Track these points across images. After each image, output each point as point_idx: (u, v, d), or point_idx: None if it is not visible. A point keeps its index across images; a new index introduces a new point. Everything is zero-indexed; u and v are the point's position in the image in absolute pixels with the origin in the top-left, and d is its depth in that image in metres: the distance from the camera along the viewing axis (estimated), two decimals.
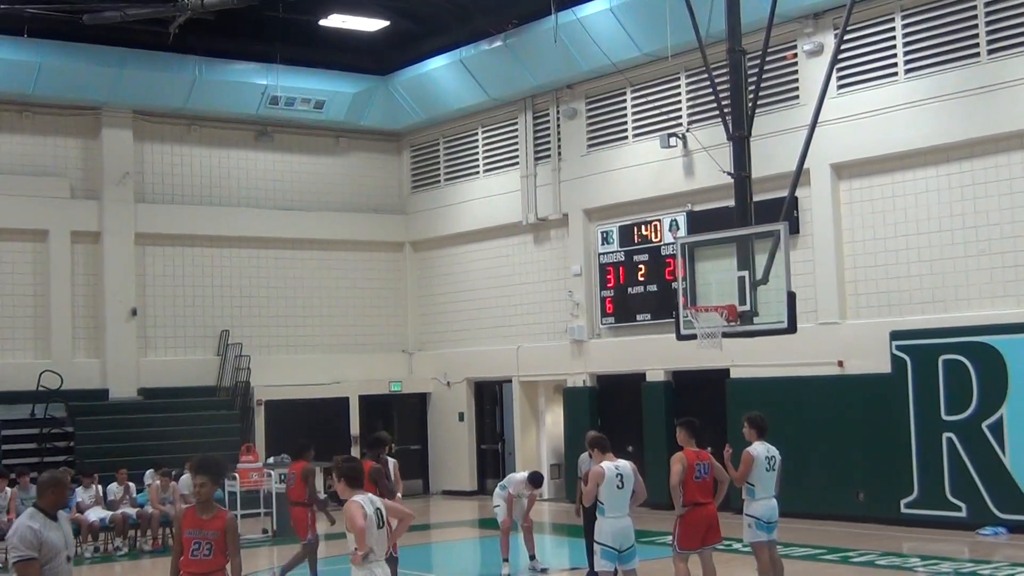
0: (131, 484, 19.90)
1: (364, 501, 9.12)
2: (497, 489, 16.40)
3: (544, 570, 15.92)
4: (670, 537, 12.56)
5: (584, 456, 15.54)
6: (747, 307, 15.24)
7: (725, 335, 15.54)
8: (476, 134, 27.21)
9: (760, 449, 12.79)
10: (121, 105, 25.14)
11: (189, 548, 8.61)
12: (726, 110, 16.47)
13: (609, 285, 23.78)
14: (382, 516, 9.18)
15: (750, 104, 16.29)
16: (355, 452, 26.26)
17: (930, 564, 15.76)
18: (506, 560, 15.85)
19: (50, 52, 23.63)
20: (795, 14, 20.28)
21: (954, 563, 15.72)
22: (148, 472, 20.34)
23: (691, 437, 12.54)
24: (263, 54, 25.52)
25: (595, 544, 11.98)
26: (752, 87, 16.62)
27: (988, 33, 18.35)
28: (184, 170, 26.50)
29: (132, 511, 19.53)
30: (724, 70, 17.05)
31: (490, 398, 27.27)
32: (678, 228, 22.35)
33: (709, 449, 12.97)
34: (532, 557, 16.07)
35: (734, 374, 21.21)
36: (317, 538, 15.33)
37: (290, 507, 15.87)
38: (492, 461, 26.76)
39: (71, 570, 8.27)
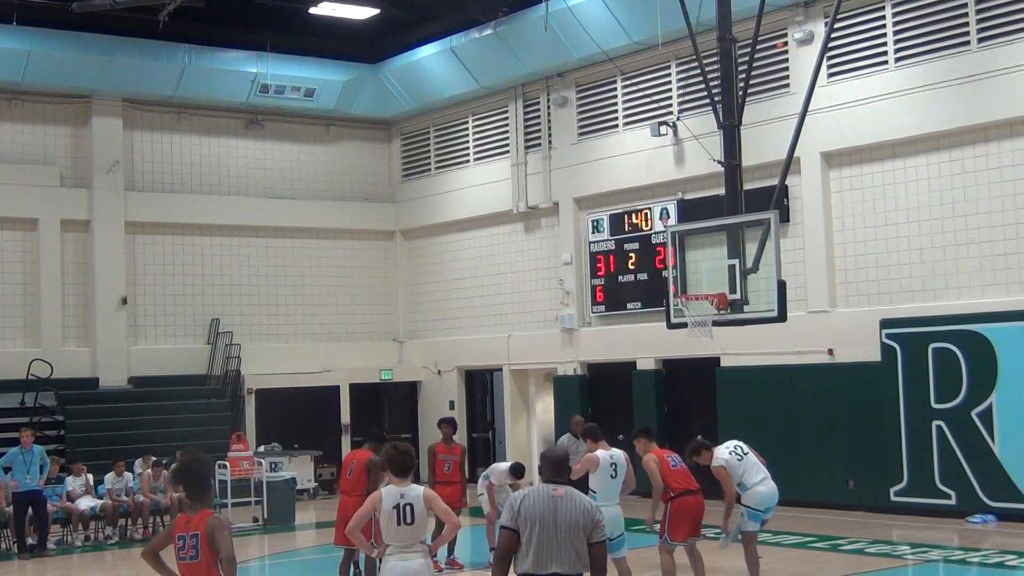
0: (128, 474, 19.82)
1: (387, 494, 8.57)
2: (480, 479, 16.41)
3: None
4: (658, 526, 12.53)
5: (563, 439, 15.59)
6: (737, 295, 15.28)
7: (715, 323, 15.56)
8: (466, 122, 27.18)
9: (722, 452, 12.75)
10: (111, 93, 25.06)
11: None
12: (716, 98, 16.47)
13: (599, 273, 23.77)
14: (412, 512, 8.51)
15: (740, 92, 16.31)
16: (346, 441, 26.35)
17: (919, 552, 15.81)
18: (493, 549, 15.86)
19: (39, 40, 23.53)
20: (786, 2, 20.29)
21: (943, 551, 15.78)
22: (137, 461, 20.31)
23: (651, 441, 12.59)
24: (253, 42, 25.46)
25: None
26: (743, 75, 16.63)
27: (978, 21, 18.35)
28: (174, 158, 26.44)
29: (125, 500, 19.48)
30: (715, 58, 17.08)
31: (480, 386, 27.27)
32: (669, 216, 22.34)
33: (699, 437, 13.02)
34: None
35: (724, 362, 21.23)
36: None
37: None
38: (483, 449, 26.76)
39: None
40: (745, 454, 12.74)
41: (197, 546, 7.10)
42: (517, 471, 15.95)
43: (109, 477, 19.61)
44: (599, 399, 23.69)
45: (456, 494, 15.24)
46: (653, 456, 12.35)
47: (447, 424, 15.84)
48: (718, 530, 12.96)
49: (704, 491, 12.60)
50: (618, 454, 12.58)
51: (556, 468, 7.45)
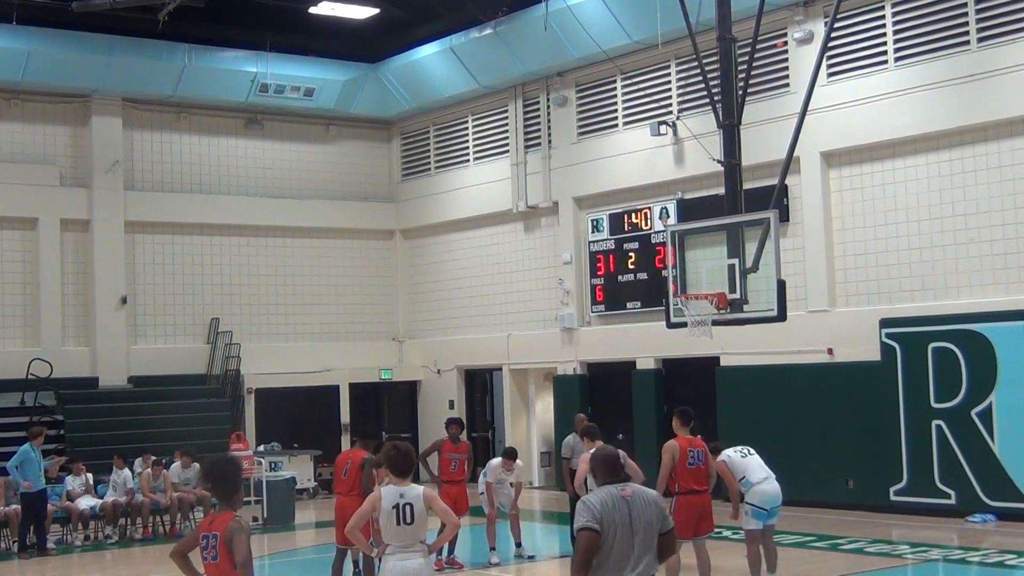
0: (127, 471, 19.80)
1: (387, 493, 8.57)
2: (480, 478, 16.45)
3: (531, 557, 15.95)
4: None
5: (569, 438, 15.62)
6: (737, 295, 15.28)
7: (715, 323, 15.56)
8: (466, 122, 27.18)
9: (728, 450, 12.81)
10: (111, 92, 25.06)
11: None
12: (716, 98, 16.47)
13: (599, 273, 23.78)
14: (411, 511, 8.48)
15: (740, 92, 16.31)
16: (345, 440, 26.34)
17: (919, 551, 15.82)
18: (493, 549, 15.86)
19: (39, 39, 23.54)
20: (786, 2, 20.30)
21: (943, 550, 15.79)
22: (137, 460, 20.30)
23: (685, 425, 12.55)
24: (253, 41, 25.47)
25: None
26: (742, 75, 16.63)
27: (978, 21, 18.35)
28: (174, 158, 26.44)
29: (123, 499, 19.46)
30: (714, 58, 17.08)
31: (480, 386, 27.28)
32: (668, 216, 22.34)
33: (699, 437, 13.03)
34: (518, 544, 16.08)
35: (724, 362, 21.23)
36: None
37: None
38: (482, 449, 26.73)
39: None
40: (751, 454, 12.84)
41: (217, 546, 7.21)
42: (509, 453, 15.98)
43: (113, 472, 19.56)
44: (599, 399, 23.69)
45: (462, 494, 15.27)
46: (675, 445, 12.32)
47: (455, 424, 15.85)
48: (718, 530, 12.98)
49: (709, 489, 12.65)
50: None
51: (612, 468, 7.04)
